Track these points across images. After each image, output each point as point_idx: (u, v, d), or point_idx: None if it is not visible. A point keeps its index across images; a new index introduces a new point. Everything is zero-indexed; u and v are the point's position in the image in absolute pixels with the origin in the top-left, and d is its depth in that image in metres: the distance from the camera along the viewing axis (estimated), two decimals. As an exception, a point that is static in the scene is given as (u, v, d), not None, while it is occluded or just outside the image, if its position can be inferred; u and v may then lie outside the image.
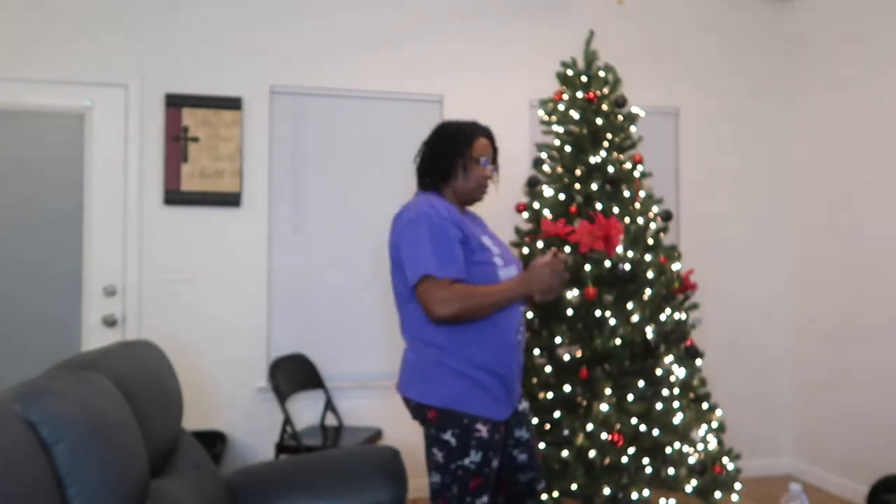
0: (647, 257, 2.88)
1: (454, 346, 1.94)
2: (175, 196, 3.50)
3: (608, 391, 2.69)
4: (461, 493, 1.90)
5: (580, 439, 2.66)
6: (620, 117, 3.03)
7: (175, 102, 3.51)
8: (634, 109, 3.07)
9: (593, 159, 2.92)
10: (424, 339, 1.97)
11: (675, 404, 2.77)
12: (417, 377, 1.98)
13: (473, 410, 1.91)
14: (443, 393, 1.92)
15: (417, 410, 1.98)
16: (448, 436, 1.90)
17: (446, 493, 1.92)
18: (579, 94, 3.01)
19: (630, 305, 2.79)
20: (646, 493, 2.64)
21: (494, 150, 2.14)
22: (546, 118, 3.07)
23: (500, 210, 3.82)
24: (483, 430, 1.91)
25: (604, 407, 2.66)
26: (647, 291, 2.83)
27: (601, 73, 3.06)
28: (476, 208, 3.50)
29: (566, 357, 2.78)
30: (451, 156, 2.06)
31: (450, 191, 2.10)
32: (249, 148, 3.62)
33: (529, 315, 2.87)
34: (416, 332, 1.99)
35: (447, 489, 1.91)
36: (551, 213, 2.92)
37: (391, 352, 3.75)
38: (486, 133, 2.12)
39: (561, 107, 3.04)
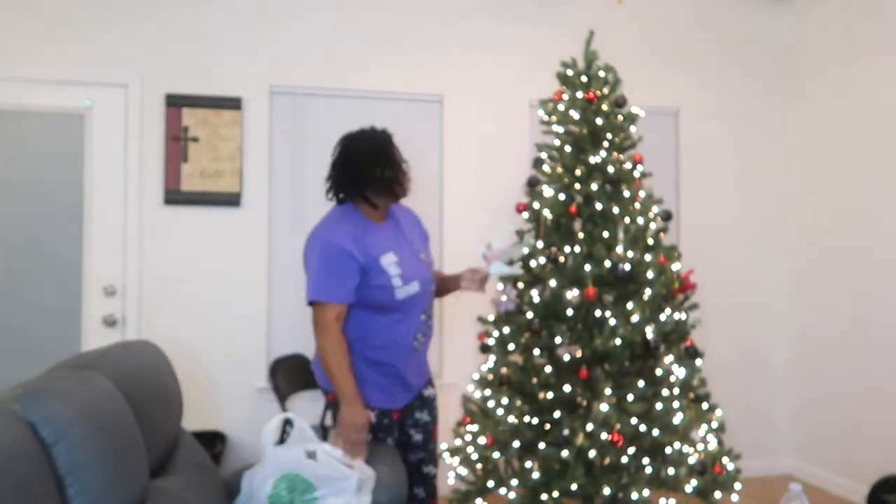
0: (647, 257, 2.87)
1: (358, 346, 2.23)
2: (175, 196, 3.50)
3: (608, 391, 2.69)
4: None
5: (580, 439, 2.65)
6: (620, 117, 3.02)
7: (175, 102, 3.51)
8: (634, 109, 3.07)
9: (593, 159, 2.92)
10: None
11: (675, 404, 2.77)
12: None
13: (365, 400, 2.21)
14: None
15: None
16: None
17: None
18: (579, 94, 3.01)
19: (630, 305, 2.78)
20: (646, 493, 2.64)
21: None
22: (546, 118, 3.07)
23: (500, 210, 3.83)
24: (371, 415, 2.22)
25: (604, 407, 2.66)
26: (647, 291, 2.83)
27: (601, 73, 3.05)
28: (475, 209, 3.51)
29: (566, 357, 2.78)
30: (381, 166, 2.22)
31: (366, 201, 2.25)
32: (249, 148, 3.62)
33: (529, 315, 2.87)
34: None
35: None
36: (551, 212, 2.92)
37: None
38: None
39: (561, 107, 3.03)
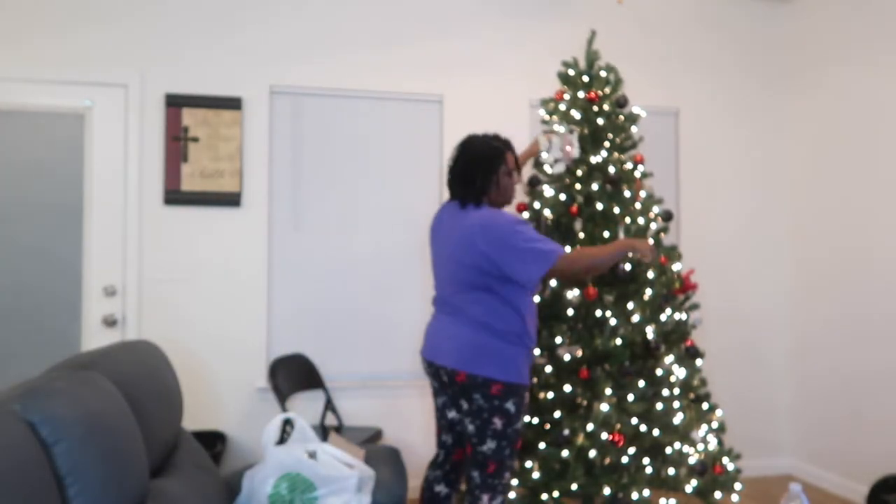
0: (648, 257, 2.87)
1: (524, 331, 2.33)
2: (175, 196, 3.50)
3: (608, 391, 2.69)
4: (512, 453, 2.35)
5: (580, 439, 2.65)
6: (621, 117, 3.02)
7: (175, 102, 3.51)
8: (635, 110, 3.07)
9: (594, 159, 2.92)
10: (497, 325, 2.29)
11: (676, 404, 2.77)
12: (488, 357, 2.27)
13: (528, 381, 2.37)
14: (511, 370, 2.29)
15: (482, 385, 2.27)
16: (510, 405, 2.29)
17: (501, 455, 2.32)
18: (580, 94, 3.01)
19: (630, 305, 2.79)
20: (646, 493, 2.64)
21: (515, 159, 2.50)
22: (547, 118, 3.07)
23: (500, 210, 3.82)
24: (527, 396, 2.38)
25: (604, 407, 2.66)
26: (648, 291, 2.83)
27: (602, 74, 3.05)
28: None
29: (566, 357, 2.78)
30: (491, 171, 2.40)
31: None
32: (249, 148, 3.62)
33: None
34: (489, 319, 2.29)
35: (502, 451, 2.32)
36: (552, 212, 2.92)
37: (391, 352, 3.75)
38: (509, 146, 2.47)
39: (562, 107, 3.03)
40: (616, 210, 2.87)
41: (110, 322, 3.43)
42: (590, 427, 2.64)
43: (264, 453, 1.98)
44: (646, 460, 2.73)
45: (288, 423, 2.10)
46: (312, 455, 1.98)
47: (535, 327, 2.41)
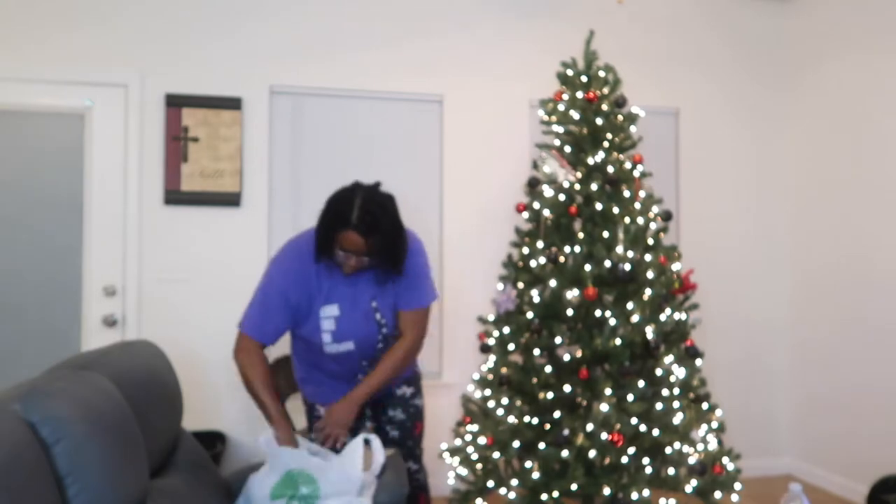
0: (647, 257, 2.88)
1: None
2: (175, 196, 3.50)
3: (608, 391, 2.69)
4: None
5: (580, 439, 2.66)
6: (620, 117, 3.02)
7: (175, 102, 3.51)
8: (634, 109, 3.07)
9: (593, 159, 2.92)
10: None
11: (675, 404, 2.77)
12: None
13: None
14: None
15: None
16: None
17: None
18: (579, 95, 3.01)
19: (630, 305, 2.79)
20: (646, 493, 2.64)
21: (372, 243, 2.09)
22: (546, 118, 3.07)
23: (500, 210, 3.83)
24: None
25: (604, 407, 2.66)
26: (647, 291, 2.83)
27: (601, 73, 3.06)
28: (475, 208, 3.50)
29: (566, 357, 2.78)
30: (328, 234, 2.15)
31: None
32: (249, 148, 3.62)
33: (529, 315, 2.87)
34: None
35: None
36: (551, 213, 2.92)
37: (391, 352, 3.74)
38: (357, 227, 2.09)
39: (561, 107, 3.03)
40: (615, 210, 2.87)
41: (110, 322, 3.43)
42: (590, 427, 2.64)
43: (267, 453, 1.98)
44: (646, 460, 2.73)
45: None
46: (315, 454, 1.99)
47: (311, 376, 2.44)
